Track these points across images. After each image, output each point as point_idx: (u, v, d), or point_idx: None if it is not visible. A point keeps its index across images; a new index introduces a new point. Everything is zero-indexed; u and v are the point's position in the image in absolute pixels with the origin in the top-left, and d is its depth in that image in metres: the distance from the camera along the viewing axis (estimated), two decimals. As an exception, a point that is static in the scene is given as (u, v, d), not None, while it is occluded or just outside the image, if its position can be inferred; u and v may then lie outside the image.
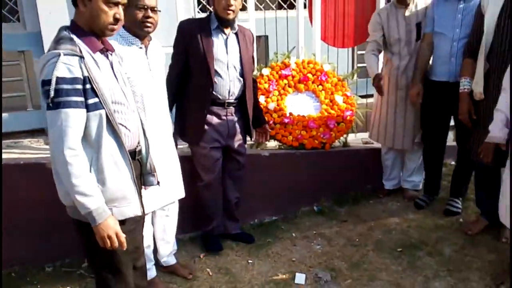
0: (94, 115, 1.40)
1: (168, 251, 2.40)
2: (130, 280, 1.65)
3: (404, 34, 2.89)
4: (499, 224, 2.38)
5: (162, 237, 2.35)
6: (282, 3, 4.31)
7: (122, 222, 1.53)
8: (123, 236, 1.47)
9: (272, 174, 3.01)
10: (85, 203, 1.38)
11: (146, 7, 1.93)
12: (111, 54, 1.55)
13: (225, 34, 2.40)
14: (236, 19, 2.42)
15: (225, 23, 2.37)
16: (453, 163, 3.36)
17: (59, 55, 1.34)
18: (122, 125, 1.51)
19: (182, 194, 2.30)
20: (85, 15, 1.43)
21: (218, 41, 2.38)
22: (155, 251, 2.37)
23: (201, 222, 2.71)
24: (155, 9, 1.98)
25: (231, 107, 2.50)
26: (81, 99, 1.37)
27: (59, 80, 1.32)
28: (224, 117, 2.48)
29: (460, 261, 2.42)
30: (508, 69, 2.09)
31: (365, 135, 3.50)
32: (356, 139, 3.53)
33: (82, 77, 1.36)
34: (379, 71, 3.09)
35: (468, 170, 2.87)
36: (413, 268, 2.41)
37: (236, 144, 2.58)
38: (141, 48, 1.99)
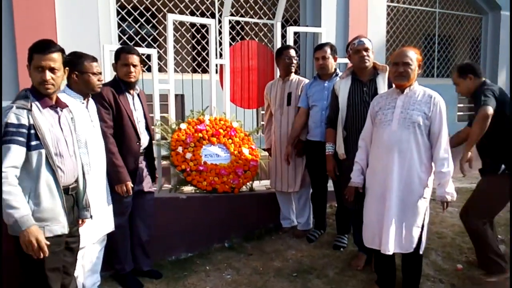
0: (35, 153, 1.82)
1: (93, 281, 2.62)
2: None
3: (279, 100, 3.69)
4: (370, 254, 3.06)
5: (90, 267, 2.57)
6: (196, 68, 4.94)
7: (50, 238, 1.86)
8: (43, 242, 1.77)
9: (189, 215, 3.41)
10: (12, 212, 1.72)
11: (100, 72, 2.40)
12: (61, 110, 1.96)
13: (131, 94, 2.83)
14: (136, 82, 2.83)
15: (129, 86, 2.78)
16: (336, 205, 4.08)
17: (12, 107, 1.79)
18: (59, 167, 1.90)
19: (112, 227, 2.60)
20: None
21: (128, 100, 2.79)
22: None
23: (113, 261, 2.90)
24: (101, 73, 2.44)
25: (141, 156, 2.89)
26: (23, 139, 1.78)
27: (8, 125, 1.76)
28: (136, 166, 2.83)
29: (341, 281, 3.03)
30: (364, 131, 2.76)
31: (267, 182, 4.11)
32: (260, 185, 4.13)
33: (27, 124, 1.79)
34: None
35: (346, 212, 3.46)
36: (305, 288, 2.95)
37: (145, 187, 2.95)
38: (83, 103, 2.39)
